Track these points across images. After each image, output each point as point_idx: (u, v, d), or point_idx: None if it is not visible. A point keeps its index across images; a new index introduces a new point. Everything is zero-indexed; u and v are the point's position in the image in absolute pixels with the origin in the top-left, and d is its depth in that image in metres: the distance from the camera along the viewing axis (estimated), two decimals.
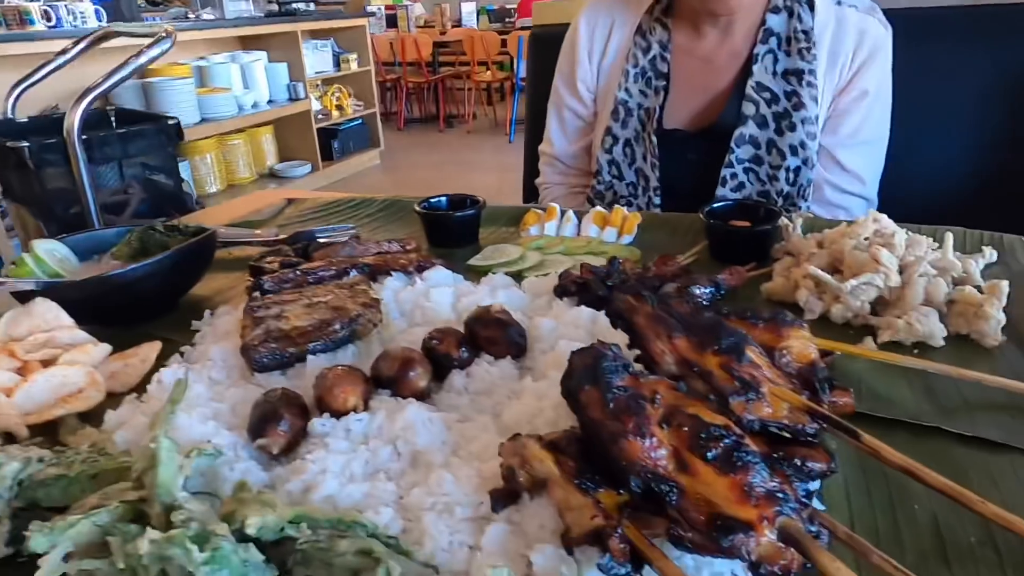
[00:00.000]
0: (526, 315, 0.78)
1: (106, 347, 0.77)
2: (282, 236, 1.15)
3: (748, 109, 1.21)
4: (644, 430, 0.46)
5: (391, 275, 0.90)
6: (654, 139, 1.28)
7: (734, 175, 1.24)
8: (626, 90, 1.31)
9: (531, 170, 1.75)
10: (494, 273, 0.98)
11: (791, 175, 1.22)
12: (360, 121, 6.41)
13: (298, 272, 0.89)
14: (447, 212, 1.14)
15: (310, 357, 0.69)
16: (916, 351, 0.75)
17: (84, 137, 1.49)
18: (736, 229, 0.99)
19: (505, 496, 0.48)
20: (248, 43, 5.59)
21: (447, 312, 0.79)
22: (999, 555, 0.49)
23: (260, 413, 0.58)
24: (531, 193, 1.72)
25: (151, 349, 0.78)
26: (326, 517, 0.47)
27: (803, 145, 1.21)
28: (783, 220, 0.96)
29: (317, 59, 5.99)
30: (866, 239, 0.86)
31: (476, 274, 0.98)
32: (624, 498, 0.45)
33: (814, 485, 0.54)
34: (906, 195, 1.48)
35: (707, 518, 0.42)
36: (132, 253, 0.98)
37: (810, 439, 0.53)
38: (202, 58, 5.19)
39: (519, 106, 7.25)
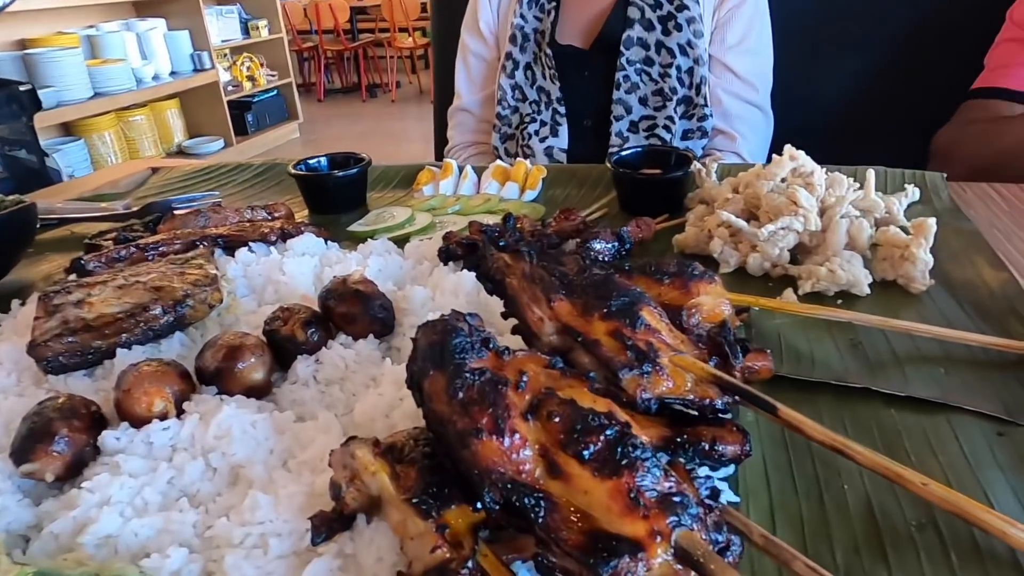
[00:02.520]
0: (399, 285, 0.66)
1: None
2: (135, 208, 0.98)
3: (633, 13, 1.24)
4: (502, 425, 0.35)
5: (250, 248, 0.77)
6: (549, 52, 1.29)
7: (627, 77, 1.25)
8: (521, 15, 1.32)
9: (442, 139, 1.65)
10: (375, 239, 0.85)
11: (684, 75, 1.25)
12: (275, 92, 6.04)
13: (134, 248, 0.75)
14: (326, 173, 0.99)
15: (121, 352, 0.55)
16: (840, 301, 0.67)
17: None
18: (645, 177, 0.89)
19: (330, 522, 0.37)
20: (143, 9, 5.15)
21: (306, 286, 0.66)
22: (941, 538, 0.41)
23: (27, 430, 0.45)
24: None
25: None
26: (79, 573, 0.34)
27: (691, 44, 1.23)
28: (695, 166, 0.86)
29: (223, 26, 5.58)
30: (783, 180, 0.77)
31: (357, 242, 0.85)
32: (480, 516, 0.35)
33: (729, 470, 0.45)
34: (803, 128, 1.47)
35: (584, 538, 0.32)
36: None
37: (720, 415, 0.43)
38: (92, 27, 4.75)
39: None
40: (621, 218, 0.91)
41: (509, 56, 1.35)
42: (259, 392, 0.52)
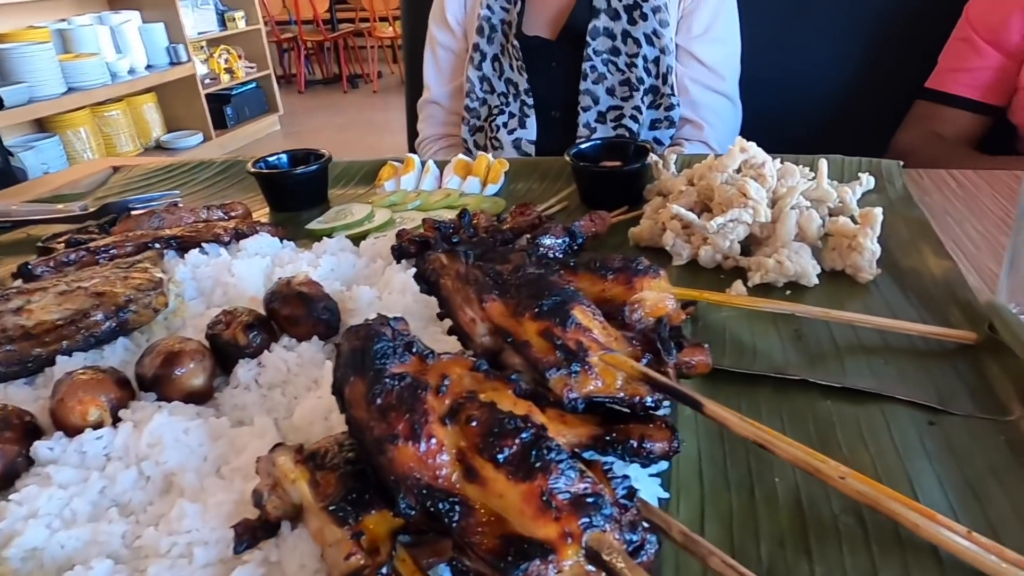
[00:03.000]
0: (348, 285, 0.66)
1: None
2: (92, 209, 0.97)
3: (599, 3, 1.23)
4: (419, 431, 0.35)
5: (202, 249, 0.76)
6: (516, 43, 1.28)
7: (594, 67, 1.25)
8: (487, 6, 1.30)
9: (415, 131, 1.65)
10: (332, 237, 0.85)
11: (651, 65, 1.25)
12: (254, 85, 5.97)
13: (84, 252, 0.74)
14: (285, 171, 0.98)
15: (61, 360, 0.55)
16: (789, 292, 0.67)
17: None
18: (602, 170, 0.89)
19: (253, 530, 0.37)
20: (116, 2, 5.06)
21: (255, 288, 0.66)
22: (864, 528, 0.41)
23: None
24: None
25: None
26: None
27: (656, 34, 1.23)
28: (652, 157, 0.86)
29: (198, 18, 5.50)
30: (738, 171, 0.78)
31: (316, 240, 0.85)
32: (401, 521, 0.35)
33: (661, 466, 0.46)
34: (777, 120, 1.48)
35: (498, 542, 0.32)
36: None
37: (651, 412, 0.44)
38: (63, 20, 4.67)
39: None
40: (581, 211, 0.91)
41: (476, 48, 1.34)
42: (200, 398, 0.52)
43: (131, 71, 4.86)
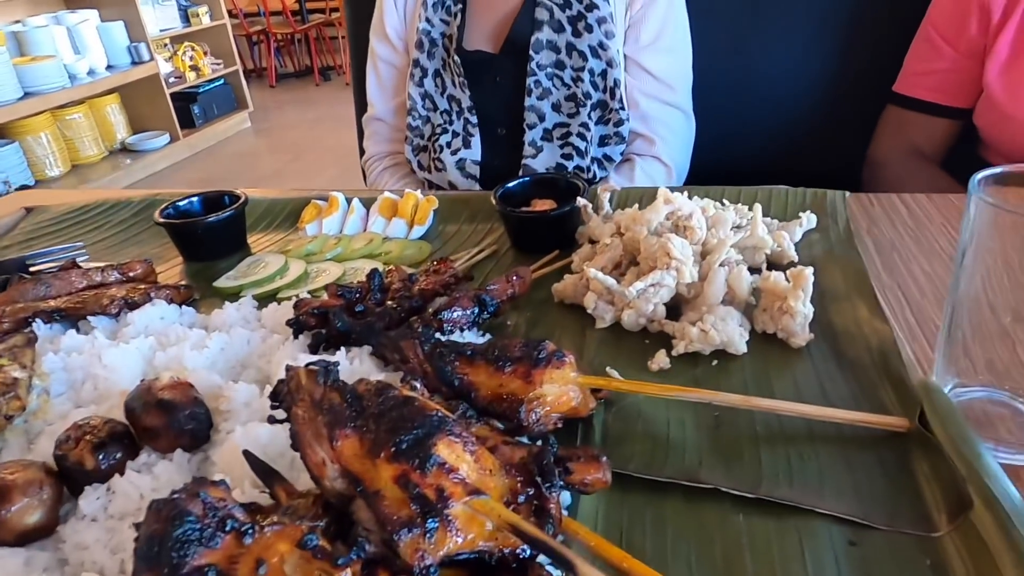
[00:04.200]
0: (232, 376, 0.60)
1: None
2: None
3: (541, 15, 1.17)
4: None
5: (79, 327, 0.70)
6: (457, 59, 1.22)
7: (538, 82, 1.19)
8: (427, 20, 1.24)
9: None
10: (241, 296, 0.79)
11: (598, 79, 1.19)
12: (221, 81, 5.83)
13: None
14: (195, 219, 0.91)
15: None
16: (716, 362, 0.62)
17: None
18: (528, 215, 0.83)
19: None
20: (73, 1, 4.91)
21: (130, 380, 0.60)
22: None
23: None
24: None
25: None
26: None
27: (602, 46, 1.17)
28: (580, 201, 0.80)
29: (160, 15, 5.34)
30: (668, 220, 0.72)
31: (224, 299, 0.79)
32: None
33: None
34: (736, 128, 1.42)
35: None
36: None
37: (526, 562, 0.38)
38: (17, 22, 4.52)
39: None
40: (512, 256, 0.86)
41: (417, 63, 1.27)
42: (39, 534, 0.46)
43: (91, 72, 4.73)
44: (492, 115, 1.27)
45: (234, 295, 0.81)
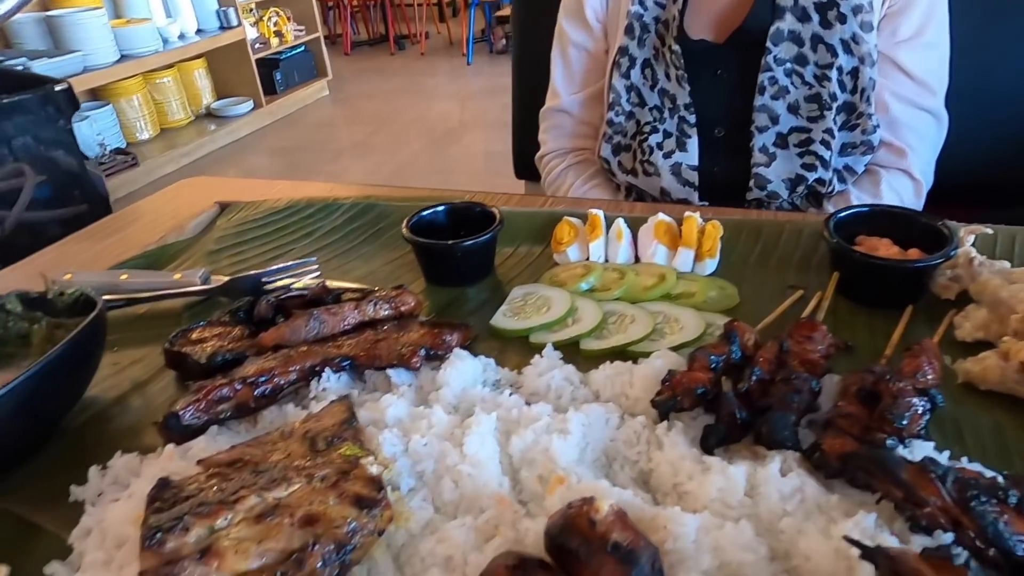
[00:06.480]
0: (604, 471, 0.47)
1: None
2: (212, 284, 0.79)
3: (784, 0, 1.00)
4: None
5: (389, 376, 0.58)
6: (677, 49, 1.07)
7: (774, 80, 1.03)
8: (640, 2, 1.10)
9: (520, 141, 1.49)
10: (530, 339, 0.66)
11: (847, 78, 1.02)
12: (303, 48, 5.75)
13: (239, 385, 0.56)
14: (452, 243, 0.77)
15: None
16: None
17: None
18: (886, 264, 0.67)
19: None
20: None
21: (494, 476, 0.47)
22: None
23: None
24: (524, 169, 1.48)
25: None
26: None
27: (856, 39, 1.00)
28: (965, 249, 0.64)
29: None
30: None
31: (502, 341, 0.66)
32: None
33: None
34: (969, 136, 1.23)
35: None
36: None
37: None
38: None
39: (475, 24, 6.68)
40: (844, 306, 0.68)
41: (624, 51, 1.12)
42: None
43: (182, 36, 4.70)
44: (709, 114, 1.11)
45: (516, 338, 0.68)
